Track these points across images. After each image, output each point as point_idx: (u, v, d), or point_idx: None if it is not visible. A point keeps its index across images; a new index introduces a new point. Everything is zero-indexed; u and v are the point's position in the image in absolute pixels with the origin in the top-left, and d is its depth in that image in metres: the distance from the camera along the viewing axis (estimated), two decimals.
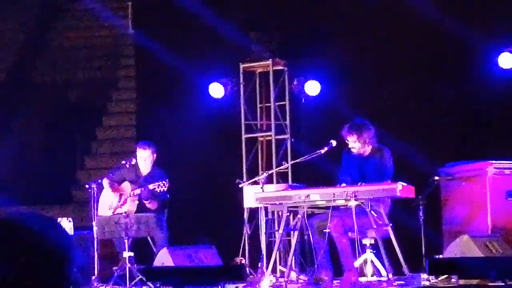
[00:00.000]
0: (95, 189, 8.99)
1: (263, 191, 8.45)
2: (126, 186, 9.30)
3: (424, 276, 7.29)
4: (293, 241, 8.27)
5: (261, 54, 10.55)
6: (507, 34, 9.43)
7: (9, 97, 13.78)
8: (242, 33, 10.47)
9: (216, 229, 9.94)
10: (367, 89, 10.14)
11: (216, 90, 10.61)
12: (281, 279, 8.29)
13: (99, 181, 9.23)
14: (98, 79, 14.08)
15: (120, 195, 9.27)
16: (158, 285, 7.55)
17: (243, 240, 9.57)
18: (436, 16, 9.31)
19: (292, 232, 8.65)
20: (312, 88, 10.34)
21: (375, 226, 7.61)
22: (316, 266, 7.95)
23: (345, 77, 10.22)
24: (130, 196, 9.14)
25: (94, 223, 8.82)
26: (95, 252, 8.77)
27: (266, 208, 8.89)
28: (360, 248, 7.65)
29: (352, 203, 7.59)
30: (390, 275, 7.47)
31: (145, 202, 9.06)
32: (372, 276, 7.67)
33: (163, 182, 8.87)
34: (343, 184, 8.03)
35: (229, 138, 10.78)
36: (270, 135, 10.55)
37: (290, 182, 9.80)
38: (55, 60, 14.55)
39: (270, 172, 9.35)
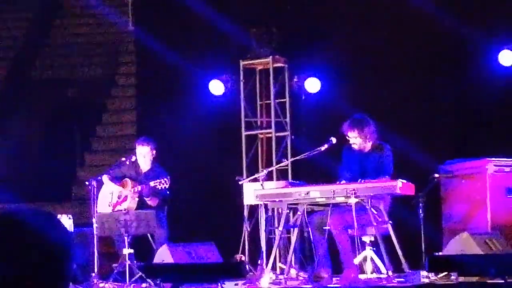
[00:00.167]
0: (95, 186, 8.98)
1: (263, 188, 8.45)
2: (126, 183, 9.30)
3: (423, 273, 7.29)
4: (293, 238, 8.27)
5: (261, 51, 10.54)
6: (507, 32, 9.43)
7: (9, 94, 13.78)
8: (243, 30, 10.47)
9: (216, 226, 9.95)
10: (367, 86, 10.14)
11: (216, 87, 10.60)
12: (280, 276, 8.29)
13: (99, 178, 9.23)
14: (98, 76, 14.09)
15: (120, 192, 9.27)
16: (157, 282, 7.55)
17: (242, 237, 9.58)
18: (436, 14, 9.31)
19: (292, 229, 8.65)
20: (312, 85, 10.34)
21: (375, 224, 7.62)
22: (315, 263, 7.95)
23: (345, 74, 10.21)
24: (131, 193, 9.14)
25: (94, 220, 8.82)
26: (95, 249, 8.77)
27: (266, 205, 8.89)
28: (360, 245, 7.66)
29: (352, 200, 7.59)
30: (390, 272, 7.48)
31: (146, 199, 9.06)
32: (371, 273, 7.68)
33: (165, 179, 8.87)
34: (343, 181, 8.03)
35: (229, 135, 10.78)
36: (270, 132, 10.55)
37: (290, 179, 9.79)
38: (55, 57, 14.55)
39: (270, 169, 9.35)
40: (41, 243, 1.82)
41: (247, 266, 8.56)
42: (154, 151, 9.33)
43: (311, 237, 8.00)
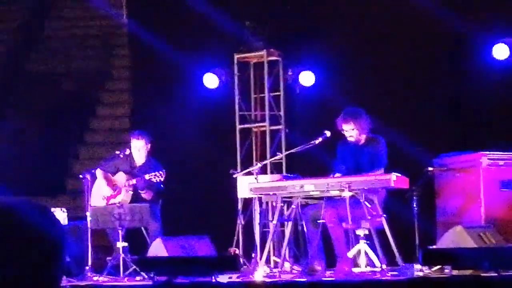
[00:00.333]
0: (89, 179, 8.96)
1: (257, 182, 8.45)
2: (121, 176, 9.29)
3: (417, 266, 7.29)
4: (287, 232, 8.27)
5: (255, 44, 10.53)
6: (501, 25, 9.43)
7: (3, 86, 13.75)
8: (237, 24, 10.45)
9: (210, 219, 9.95)
10: (361, 79, 10.14)
11: (211, 80, 10.60)
12: (275, 270, 8.29)
13: (93, 171, 9.21)
14: (92, 69, 14.06)
15: (114, 185, 9.26)
16: (151, 275, 7.54)
17: (237, 231, 9.57)
18: (430, 8, 9.30)
19: (286, 222, 8.65)
20: (307, 78, 10.34)
21: (369, 217, 7.62)
22: (309, 256, 7.96)
23: (339, 68, 10.21)
24: (125, 186, 9.13)
25: (88, 213, 8.81)
26: (89, 242, 8.75)
27: (260, 199, 8.89)
28: (354, 238, 7.66)
29: (346, 194, 7.59)
30: (384, 266, 7.48)
31: (141, 192, 9.06)
32: (365, 266, 7.68)
33: (160, 172, 8.87)
34: (337, 174, 8.03)
35: (223, 128, 10.78)
36: (264, 126, 10.54)
37: (284, 173, 9.80)
38: (49, 50, 14.52)
39: (264, 162, 9.35)
40: (33, 235, 1.81)
41: (241, 260, 8.56)
42: (149, 145, 9.32)
43: (305, 230, 8.01)
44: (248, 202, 9.36)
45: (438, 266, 7.32)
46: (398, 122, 9.21)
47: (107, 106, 13.57)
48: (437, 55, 10.03)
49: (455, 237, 7.72)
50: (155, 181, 8.89)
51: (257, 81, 10.75)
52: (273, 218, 8.45)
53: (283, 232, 9.10)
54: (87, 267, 8.55)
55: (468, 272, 6.92)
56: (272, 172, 9.90)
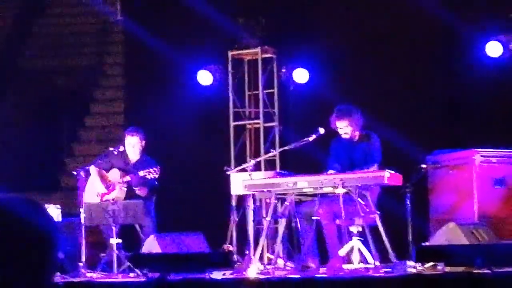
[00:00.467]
0: (83, 176, 8.96)
1: (251, 179, 8.46)
2: (115, 173, 9.29)
3: (410, 263, 7.30)
4: (281, 229, 8.28)
5: (249, 41, 10.53)
6: (494, 23, 9.45)
7: None
8: (231, 21, 10.45)
9: (203, 216, 9.95)
10: (355, 77, 10.15)
11: (205, 77, 10.60)
12: (268, 266, 8.30)
13: (87, 168, 9.21)
14: (86, 66, 14.06)
15: (108, 182, 9.26)
16: (145, 271, 7.55)
17: (230, 227, 9.58)
18: (423, 5, 9.32)
19: (279, 219, 8.65)
20: (301, 76, 10.34)
21: (362, 214, 7.63)
22: (303, 253, 7.97)
23: (333, 65, 10.22)
24: (120, 183, 9.13)
25: (81, 210, 8.80)
26: (83, 239, 8.75)
27: (254, 195, 8.89)
28: (347, 235, 7.67)
29: (340, 191, 7.60)
30: (377, 262, 7.49)
31: (135, 188, 9.06)
32: (359, 263, 7.69)
33: (154, 169, 8.87)
34: (330, 171, 8.04)
35: (217, 125, 10.79)
36: (259, 123, 10.55)
37: (278, 170, 9.81)
38: (43, 47, 14.51)
39: (258, 159, 9.36)
40: (26, 232, 1.82)
41: (234, 256, 8.57)
42: (143, 142, 9.33)
43: (299, 227, 8.01)
44: (242, 199, 9.37)
45: (431, 263, 7.33)
46: (391, 119, 9.23)
47: (101, 103, 13.56)
48: (431, 52, 10.05)
49: (448, 234, 7.73)
50: (149, 177, 8.89)
51: (251, 78, 10.76)
52: (266, 215, 8.46)
53: (276, 229, 9.10)
54: (80, 264, 8.54)
55: (461, 269, 6.93)
56: (266, 169, 9.91)
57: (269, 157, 9.74)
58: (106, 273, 8.41)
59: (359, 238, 7.75)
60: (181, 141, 10.67)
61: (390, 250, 7.58)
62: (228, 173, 9.14)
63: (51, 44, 14.47)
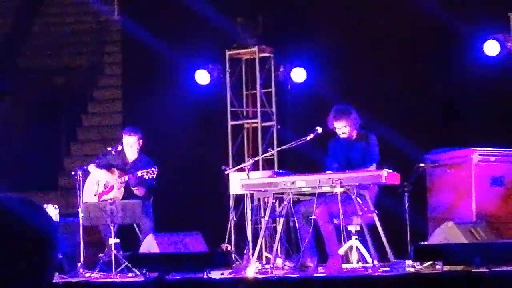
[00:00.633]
0: (81, 176, 8.96)
1: (249, 178, 8.46)
2: (114, 171, 9.30)
3: (409, 262, 7.31)
4: (279, 228, 8.28)
5: (247, 41, 10.53)
6: (492, 22, 9.45)
7: None
8: (229, 20, 10.45)
9: (202, 215, 9.96)
10: (353, 76, 10.15)
11: (202, 76, 10.60)
12: (266, 266, 8.30)
13: (85, 167, 9.22)
14: (83, 65, 14.05)
15: (107, 182, 9.26)
16: (144, 271, 7.55)
17: (228, 227, 9.58)
18: (421, 4, 9.32)
19: (278, 218, 8.66)
20: (298, 75, 10.34)
21: (360, 213, 7.64)
22: (301, 252, 7.97)
23: (331, 64, 10.22)
24: (117, 182, 9.13)
25: (80, 210, 8.80)
26: (81, 239, 8.75)
27: (252, 195, 8.90)
28: (345, 234, 7.67)
29: (338, 190, 7.61)
30: (375, 262, 7.50)
31: (133, 188, 9.06)
32: (357, 262, 7.70)
33: (152, 169, 8.87)
34: (328, 172, 8.04)
35: (215, 125, 10.78)
36: (256, 122, 10.55)
37: (276, 169, 9.81)
38: (41, 46, 14.50)
39: (256, 159, 9.36)
40: (26, 232, 1.82)
41: (233, 256, 8.57)
42: (141, 141, 9.32)
43: (297, 226, 8.01)
44: (240, 198, 9.38)
45: (430, 262, 7.34)
46: (389, 118, 9.23)
47: (99, 102, 13.56)
48: (428, 51, 10.05)
49: (446, 233, 7.74)
50: (147, 178, 8.89)
51: (248, 78, 10.76)
52: (265, 214, 8.46)
53: (275, 228, 9.12)
54: (79, 264, 8.55)
55: (459, 268, 6.94)
56: (264, 169, 9.91)
57: (267, 156, 9.74)
58: (105, 273, 8.40)
59: (357, 237, 7.76)
60: (179, 140, 10.67)
61: (388, 249, 7.58)
62: (226, 172, 9.15)
63: (49, 43, 14.45)
